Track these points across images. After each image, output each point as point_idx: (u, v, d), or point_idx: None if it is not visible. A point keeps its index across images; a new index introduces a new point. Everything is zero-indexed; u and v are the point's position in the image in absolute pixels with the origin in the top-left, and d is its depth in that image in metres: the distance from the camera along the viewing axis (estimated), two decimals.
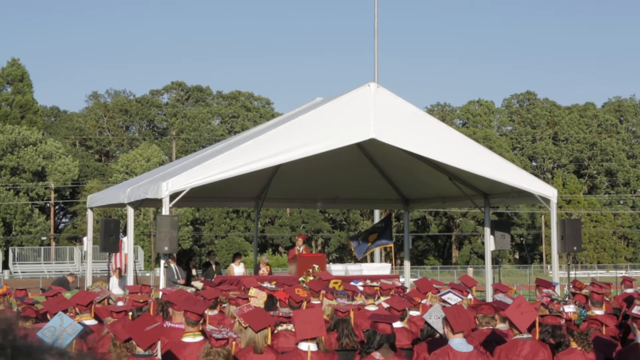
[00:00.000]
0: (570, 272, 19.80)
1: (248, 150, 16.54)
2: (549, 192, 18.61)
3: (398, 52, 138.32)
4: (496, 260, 24.09)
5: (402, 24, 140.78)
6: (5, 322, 1.09)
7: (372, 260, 30.18)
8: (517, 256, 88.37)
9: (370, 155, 22.43)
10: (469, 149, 18.12)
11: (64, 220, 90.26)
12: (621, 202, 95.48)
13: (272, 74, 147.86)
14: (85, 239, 21.28)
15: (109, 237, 18.83)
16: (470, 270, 50.75)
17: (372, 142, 17.74)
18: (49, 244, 74.49)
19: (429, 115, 19.78)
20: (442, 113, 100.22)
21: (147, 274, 53.85)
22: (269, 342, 7.48)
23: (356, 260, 29.34)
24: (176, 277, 21.27)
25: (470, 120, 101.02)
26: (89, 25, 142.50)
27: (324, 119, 17.03)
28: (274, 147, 16.56)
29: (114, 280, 21.30)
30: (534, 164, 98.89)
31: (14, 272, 65.43)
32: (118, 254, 21.08)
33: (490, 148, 67.48)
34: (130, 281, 17.47)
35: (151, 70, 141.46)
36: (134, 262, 18.19)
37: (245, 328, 7.74)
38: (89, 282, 19.95)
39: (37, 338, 1.09)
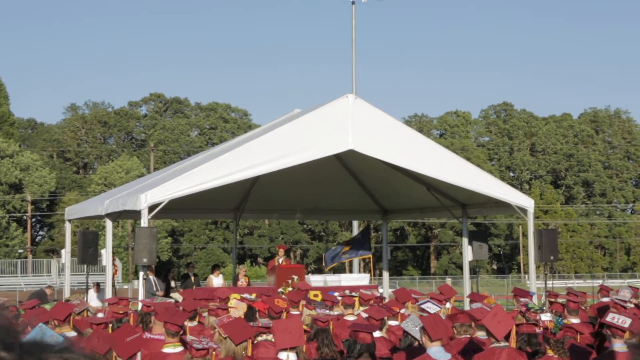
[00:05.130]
0: (548, 282, 19.94)
1: (227, 161, 16.60)
2: (526, 202, 18.78)
3: (375, 62, 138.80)
4: (474, 271, 24.24)
5: (379, 34, 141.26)
6: (6, 320, 1.13)
7: (350, 271, 30.23)
8: (495, 266, 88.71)
9: (349, 167, 22.51)
10: (446, 159, 18.27)
11: (40, 232, 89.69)
12: (597, 212, 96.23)
13: (250, 86, 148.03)
14: (63, 251, 21.20)
15: (87, 249, 18.79)
16: (448, 281, 50.85)
17: (351, 153, 17.84)
18: (26, 257, 73.95)
19: (407, 126, 19.96)
20: (420, 124, 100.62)
21: (125, 287, 53.60)
22: (248, 353, 7.52)
23: (334, 271, 29.36)
24: (155, 289, 21.23)
25: (447, 131, 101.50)
26: (66, 37, 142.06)
27: (302, 130, 17.13)
28: (252, 158, 16.63)
29: (91, 293, 21.23)
30: (511, 174, 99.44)
31: None
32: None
33: (468, 159, 67.80)
34: (108, 294, 17.40)
35: (129, 82, 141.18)
36: (112, 274, 18.14)
37: (225, 339, 7.78)
38: (67, 295, 19.87)
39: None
